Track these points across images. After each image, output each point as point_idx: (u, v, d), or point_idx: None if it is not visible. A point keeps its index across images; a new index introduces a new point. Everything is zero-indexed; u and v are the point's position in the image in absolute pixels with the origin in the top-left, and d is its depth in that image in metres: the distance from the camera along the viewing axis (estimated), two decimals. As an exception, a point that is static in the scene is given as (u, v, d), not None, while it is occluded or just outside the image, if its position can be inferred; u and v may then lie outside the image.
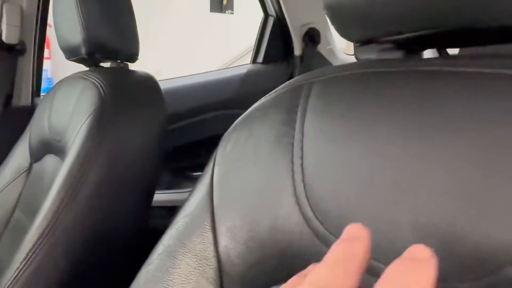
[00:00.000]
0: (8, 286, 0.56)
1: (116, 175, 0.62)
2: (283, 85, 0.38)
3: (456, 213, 0.23)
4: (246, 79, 1.34)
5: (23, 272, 0.57)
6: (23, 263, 0.57)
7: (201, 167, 1.45)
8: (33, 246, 0.57)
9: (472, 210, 0.22)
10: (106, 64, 0.80)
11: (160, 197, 1.15)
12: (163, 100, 0.73)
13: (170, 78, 1.31)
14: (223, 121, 1.40)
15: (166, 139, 1.28)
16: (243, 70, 1.36)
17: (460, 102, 0.24)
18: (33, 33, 1.06)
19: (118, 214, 0.63)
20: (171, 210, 1.34)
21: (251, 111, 0.39)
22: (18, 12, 1.02)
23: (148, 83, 0.73)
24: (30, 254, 0.57)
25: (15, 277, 0.56)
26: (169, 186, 1.32)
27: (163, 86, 1.16)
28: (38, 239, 0.57)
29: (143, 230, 0.71)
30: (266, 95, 0.39)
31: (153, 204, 0.74)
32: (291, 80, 0.38)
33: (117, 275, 0.67)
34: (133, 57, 0.77)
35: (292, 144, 0.32)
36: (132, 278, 0.42)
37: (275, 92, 0.38)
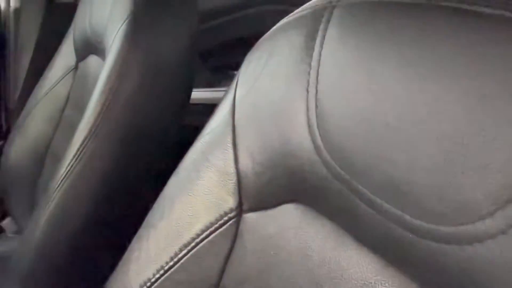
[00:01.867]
0: (62, 180, 0.63)
1: (153, 80, 0.65)
2: (308, 4, 0.36)
3: (450, 156, 0.23)
4: None
5: (71, 171, 0.63)
6: (72, 162, 0.63)
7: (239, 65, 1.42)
8: (79, 147, 0.63)
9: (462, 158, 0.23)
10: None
11: (200, 94, 1.17)
12: (196, 4, 0.71)
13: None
14: (269, 17, 1.36)
15: (208, 36, 1.27)
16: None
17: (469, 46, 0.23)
18: None
19: (156, 112, 0.67)
20: (210, 108, 1.38)
21: (273, 31, 0.39)
22: None
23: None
24: (78, 152, 0.63)
25: (66, 174, 0.63)
26: (209, 84, 1.35)
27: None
28: (83, 141, 0.63)
29: (181, 126, 0.75)
30: (290, 15, 0.38)
31: (192, 101, 0.76)
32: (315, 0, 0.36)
33: (156, 167, 0.73)
34: None
35: (309, 73, 0.32)
36: (171, 169, 0.46)
37: (299, 12, 0.37)
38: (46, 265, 0.67)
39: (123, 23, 0.65)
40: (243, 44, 1.43)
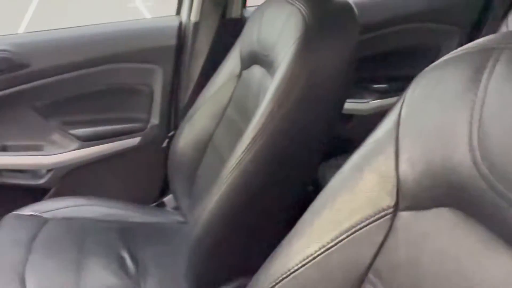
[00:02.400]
0: (233, 168, 0.78)
1: (314, 93, 0.75)
2: (475, 43, 0.43)
3: None
4: None
5: (241, 163, 0.77)
6: (242, 154, 0.77)
7: (384, 79, 1.52)
8: (249, 143, 0.76)
9: None
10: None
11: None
12: (358, 26, 0.80)
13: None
14: (413, 35, 1.39)
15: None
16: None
17: None
18: None
19: (313, 125, 0.78)
20: (348, 118, 1.46)
21: (441, 63, 0.46)
22: None
23: (344, 10, 0.81)
24: (248, 147, 0.76)
25: (237, 163, 0.77)
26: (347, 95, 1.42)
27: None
28: (252, 140, 0.76)
29: (329, 136, 0.85)
30: (457, 50, 0.45)
31: None
32: (484, 39, 0.43)
33: (308, 167, 0.84)
34: None
35: (474, 101, 0.39)
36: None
37: (466, 49, 0.43)
38: (212, 236, 0.82)
39: (294, 43, 0.76)
40: (385, 59, 1.48)
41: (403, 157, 0.46)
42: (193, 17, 1.24)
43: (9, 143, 1.25)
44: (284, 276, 0.54)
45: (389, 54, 1.40)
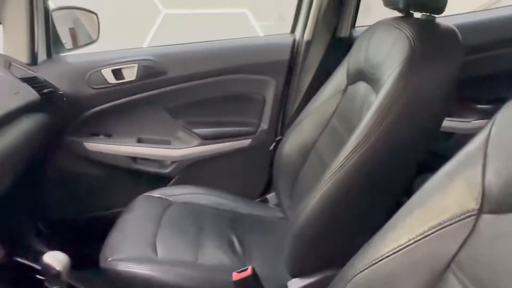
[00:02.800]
0: (335, 171, 0.89)
1: (414, 111, 0.84)
2: None
3: None
4: None
5: (343, 167, 0.88)
6: (344, 160, 0.88)
7: (491, 100, 1.55)
8: (351, 151, 0.87)
9: None
10: (416, 14, 0.98)
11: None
12: (462, 50, 0.87)
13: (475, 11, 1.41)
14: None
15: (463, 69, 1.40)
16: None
17: None
18: None
19: (412, 139, 0.86)
20: (449, 136, 1.49)
21: (531, 90, 0.53)
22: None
23: (449, 35, 0.89)
24: (350, 154, 0.87)
25: (339, 167, 0.89)
26: (450, 113, 1.45)
27: (470, 18, 1.29)
28: (354, 147, 0.87)
29: (426, 151, 0.93)
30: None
31: None
32: None
33: (402, 182, 0.93)
34: (440, 10, 0.92)
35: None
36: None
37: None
38: (311, 231, 0.94)
39: (399, 64, 0.86)
40: (492, 81, 1.50)
41: (489, 169, 0.54)
42: (306, 36, 1.38)
43: (143, 136, 1.50)
44: (377, 260, 0.64)
45: (497, 76, 1.41)
